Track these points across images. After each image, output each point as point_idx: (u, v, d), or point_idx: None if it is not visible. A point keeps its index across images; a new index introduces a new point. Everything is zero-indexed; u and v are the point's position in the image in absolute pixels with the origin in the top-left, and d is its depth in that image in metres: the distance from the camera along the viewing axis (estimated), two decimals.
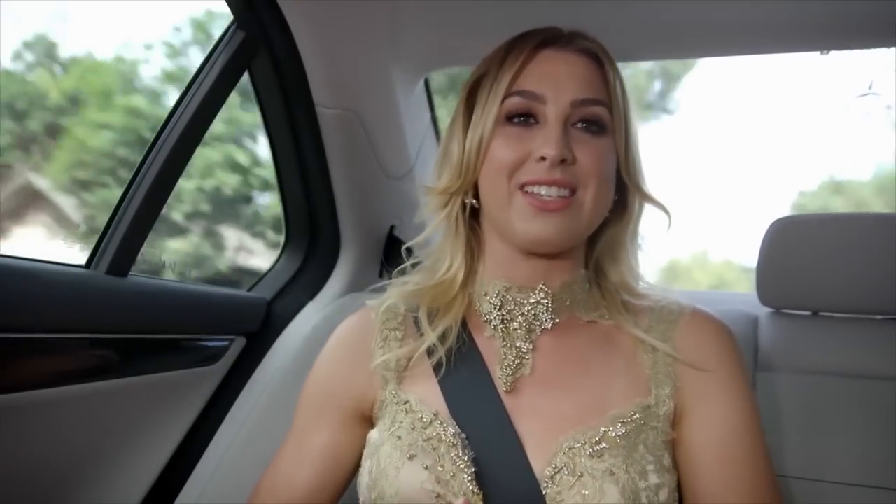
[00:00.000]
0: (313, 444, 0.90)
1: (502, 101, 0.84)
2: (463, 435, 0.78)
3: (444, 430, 0.79)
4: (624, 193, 0.89)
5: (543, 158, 0.80)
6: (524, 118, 0.84)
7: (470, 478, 0.75)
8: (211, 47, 1.19)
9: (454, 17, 1.29)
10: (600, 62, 0.87)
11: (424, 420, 0.81)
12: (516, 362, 0.84)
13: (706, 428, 0.80)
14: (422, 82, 1.53)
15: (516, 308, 0.86)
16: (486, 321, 0.88)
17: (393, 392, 0.86)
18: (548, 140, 0.81)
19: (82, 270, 1.06)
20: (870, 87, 1.50)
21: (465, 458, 0.76)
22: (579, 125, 0.84)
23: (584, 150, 0.82)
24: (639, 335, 0.84)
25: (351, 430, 0.89)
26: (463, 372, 0.84)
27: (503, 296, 0.87)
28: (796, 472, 0.99)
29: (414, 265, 0.96)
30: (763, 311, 1.21)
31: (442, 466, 0.76)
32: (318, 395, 0.92)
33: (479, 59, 0.90)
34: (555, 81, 0.84)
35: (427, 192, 0.91)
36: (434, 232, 0.93)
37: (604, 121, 0.85)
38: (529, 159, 0.82)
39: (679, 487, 0.80)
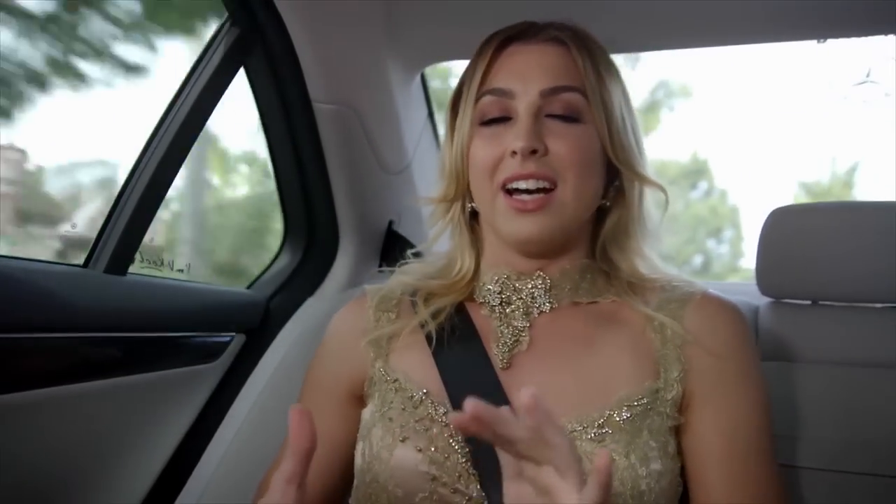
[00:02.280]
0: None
1: (475, 102, 0.85)
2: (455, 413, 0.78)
3: (436, 410, 0.78)
4: (621, 179, 0.88)
5: (515, 153, 0.80)
6: (499, 119, 0.84)
7: (465, 458, 0.75)
8: (205, 44, 1.18)
9: (450, 11, 1.28)
10: (570, 49, 0.86)
11: (415, 399, 0.80)
12: (513, 339, 0.84)
13: (716, 418, 0.79)
14: (418, 77, 1.53)
15: (514, 293, 0.86)
16: (483, 303, 0.88)
17: (381, 369, 0.85)
18: (518, 134, 0.81)
19: (80, 269, 1.06)
20: (867, 76, 1.49)
21: (459, 439, 0.76)
22: (553, 115, 0.83)
23: (557, 139, 0.82)
24: (647, 312, 0.83)
25: (347, 415, 0.88)
26: (458, 348, 0.84)
27: (503, 282, 0.87)
28: (797, 461, 0.99)
29: (415, 255, 0.97)
30: (763, 301, 1.20)
31: (435, 447, 0.76)
32: (314, 385, 0.92)
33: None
34: (522, 75, 0.83)
35: (429, 203, 0.92)
36: (438, 235, 0.94)
37: (578, 108, 0.83)
38: (505, 156, 0.82)
39: (683, 473, 0.79)
